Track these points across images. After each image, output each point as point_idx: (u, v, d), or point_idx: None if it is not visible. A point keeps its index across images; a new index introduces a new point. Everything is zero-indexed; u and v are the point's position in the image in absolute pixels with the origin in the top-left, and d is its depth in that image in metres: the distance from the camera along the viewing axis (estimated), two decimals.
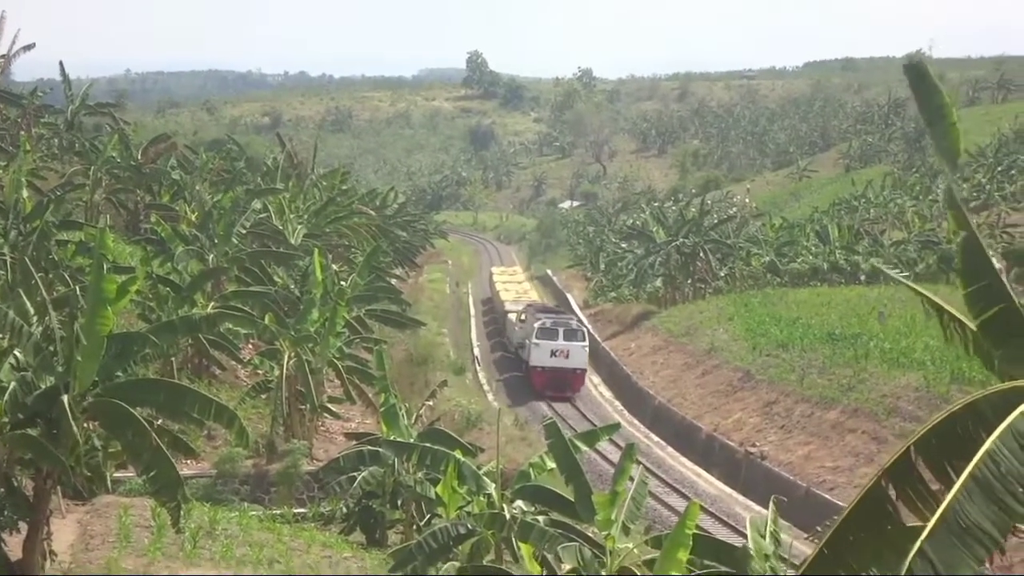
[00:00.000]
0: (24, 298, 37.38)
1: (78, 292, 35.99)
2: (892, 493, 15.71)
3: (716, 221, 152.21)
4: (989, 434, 15.23)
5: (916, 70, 20.17)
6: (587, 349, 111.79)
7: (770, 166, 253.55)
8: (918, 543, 14.17)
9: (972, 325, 19.40)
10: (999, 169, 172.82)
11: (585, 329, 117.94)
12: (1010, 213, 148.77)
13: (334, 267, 79.24)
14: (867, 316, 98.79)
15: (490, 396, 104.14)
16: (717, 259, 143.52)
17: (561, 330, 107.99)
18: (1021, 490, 14.66)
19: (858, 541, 15.63)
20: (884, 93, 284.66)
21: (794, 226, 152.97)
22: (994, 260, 19.45)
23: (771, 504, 30.48)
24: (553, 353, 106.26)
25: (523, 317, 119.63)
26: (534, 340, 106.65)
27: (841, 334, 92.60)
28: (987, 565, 14.76)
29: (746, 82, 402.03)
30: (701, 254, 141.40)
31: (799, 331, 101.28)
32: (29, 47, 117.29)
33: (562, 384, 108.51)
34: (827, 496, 68.14)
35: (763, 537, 28.14)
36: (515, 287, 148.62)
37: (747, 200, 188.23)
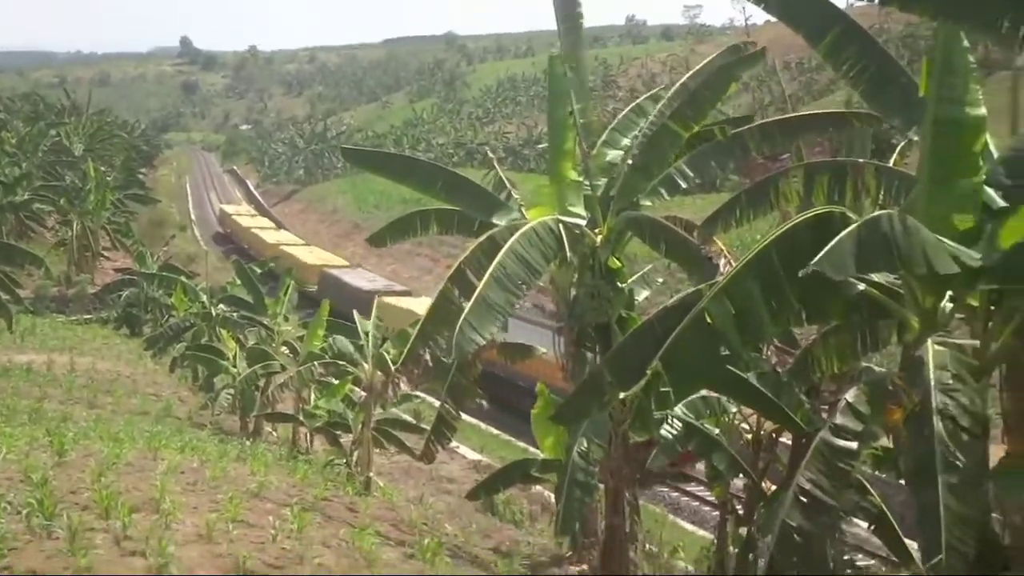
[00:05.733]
0: None
1: None
2: (456, 290, 16.14)
3: (335, 134, 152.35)
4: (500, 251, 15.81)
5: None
6: None
7: (365, 101, 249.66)
8: (463, 315, 15.05)
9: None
10: None
11: None
12: None
13: (102, 168, 77.79)
14: None
15: (202, 243, 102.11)
16: (337, 157, 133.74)
17: None
18: (518, 281, 15.28)
19: (437, 314, 16.27)
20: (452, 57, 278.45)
21: (380, 135, 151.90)
22: None
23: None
24: None
25: None
26: None
27: (412, 198, 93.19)
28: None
29: (353, 52, 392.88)
30: (326, 155, 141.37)
31: (385, 198, 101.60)
32: None
33: None
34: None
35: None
36: (291, 236, 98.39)
37: (351, 122, 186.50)
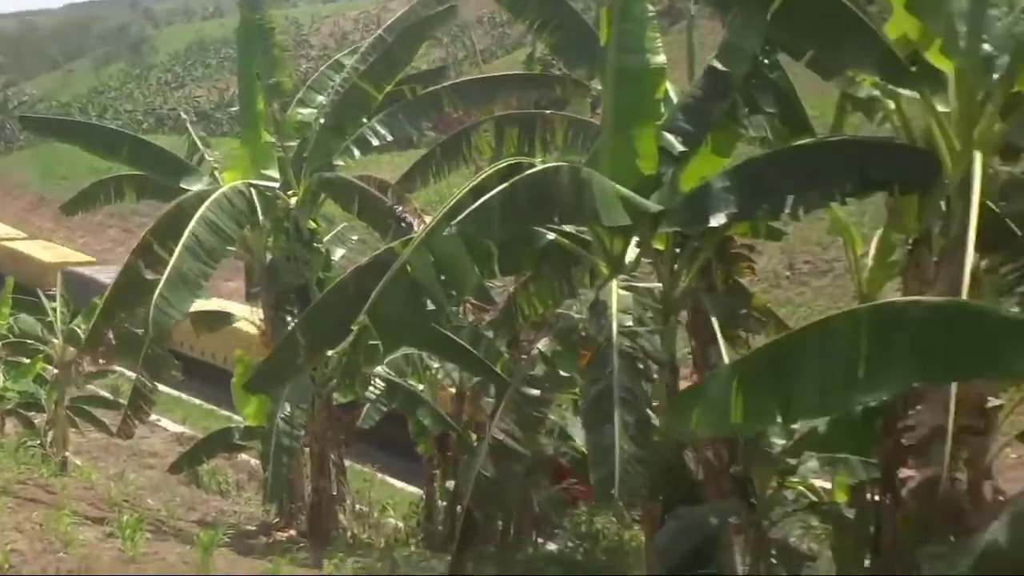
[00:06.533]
0: None
1: None
2: (142, 263, 15.79)
3: (16, 104, 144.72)
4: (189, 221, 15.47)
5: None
6: None
7: (47, 70, 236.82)
8: (158, 290, 14.41)
9: None
10: None
11: None
12: None
13: None
14: None
15: None
16: (18, 129, 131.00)
17: None
18: (211, 250, 14.97)
19: (123, 291, 15.57)
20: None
21: (64, 104, 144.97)
22: None
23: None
24: None
25: None
26: None
27: (102, 168, 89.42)
28: None
29: (33, 19, 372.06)
30: (7, 126, 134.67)
31: (72, 169, 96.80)
32: None
33: None
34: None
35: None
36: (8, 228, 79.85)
37: (34, 91, 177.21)
